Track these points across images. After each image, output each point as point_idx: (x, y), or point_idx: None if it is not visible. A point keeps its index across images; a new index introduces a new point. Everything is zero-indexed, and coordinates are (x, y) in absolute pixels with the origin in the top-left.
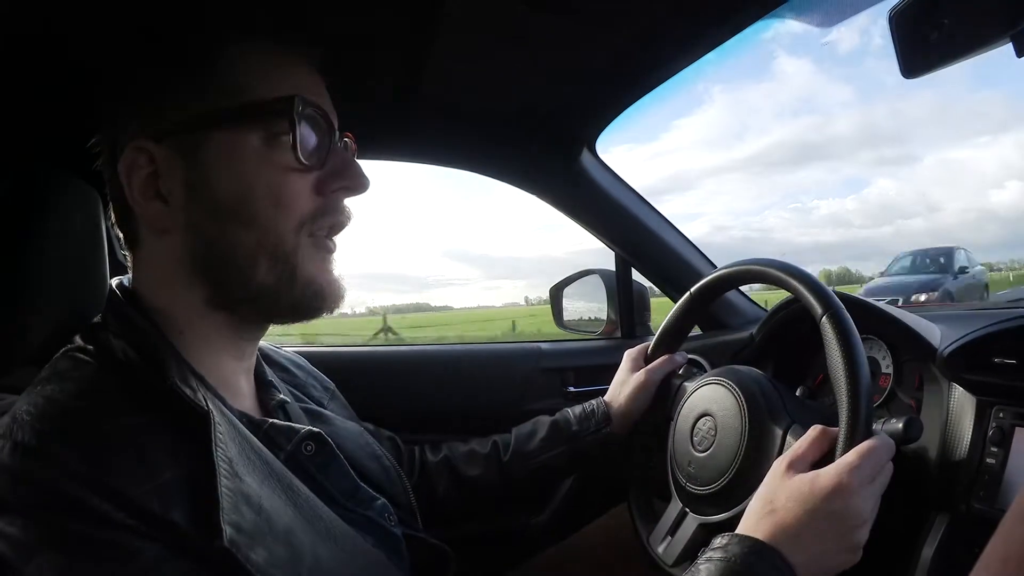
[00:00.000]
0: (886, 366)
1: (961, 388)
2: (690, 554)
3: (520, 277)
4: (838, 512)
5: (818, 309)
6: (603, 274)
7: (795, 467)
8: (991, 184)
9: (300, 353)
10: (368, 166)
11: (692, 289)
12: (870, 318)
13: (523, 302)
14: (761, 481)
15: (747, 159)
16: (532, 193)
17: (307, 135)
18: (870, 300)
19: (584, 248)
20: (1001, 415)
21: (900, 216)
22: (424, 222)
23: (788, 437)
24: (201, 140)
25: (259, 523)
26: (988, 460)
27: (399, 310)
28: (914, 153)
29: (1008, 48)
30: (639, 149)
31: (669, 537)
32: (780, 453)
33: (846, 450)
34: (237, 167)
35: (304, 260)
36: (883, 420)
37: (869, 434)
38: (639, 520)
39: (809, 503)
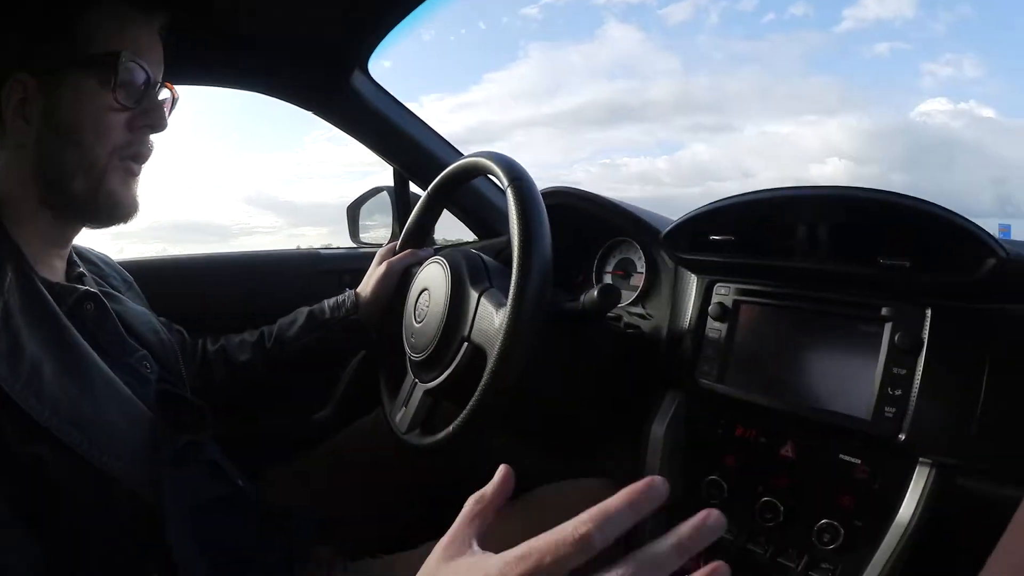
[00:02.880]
0: (641, 267)
1: (684, 268)
2: (420, 420)
3: (324, 224)
4: None
5: (505, 179)
6: (391, 190)
7: (449, 550)
8: (813, 159)
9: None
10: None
11: (428, 190)
12: (595, 206)
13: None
14: (460, 343)
15: (559, 115)
16: (312, 112)
17: (128, 83)
18: (599, 193)
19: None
20: (723, 291)
21: (713, 179)
22: (229, 168)
23: (482, 298)
24: (60, 79)
25: (24, 366)
26: (711, 335)
27: None
28: (733, 123)
29: (855, 37)
30: (448, 99)
31: (404, 407)
32: (475, 314)
33: (513, 320)
34: (77, 103)
35: (110, 178)
36: (585, 293)
37: (540, 305)
38: (386, 398)
39: None
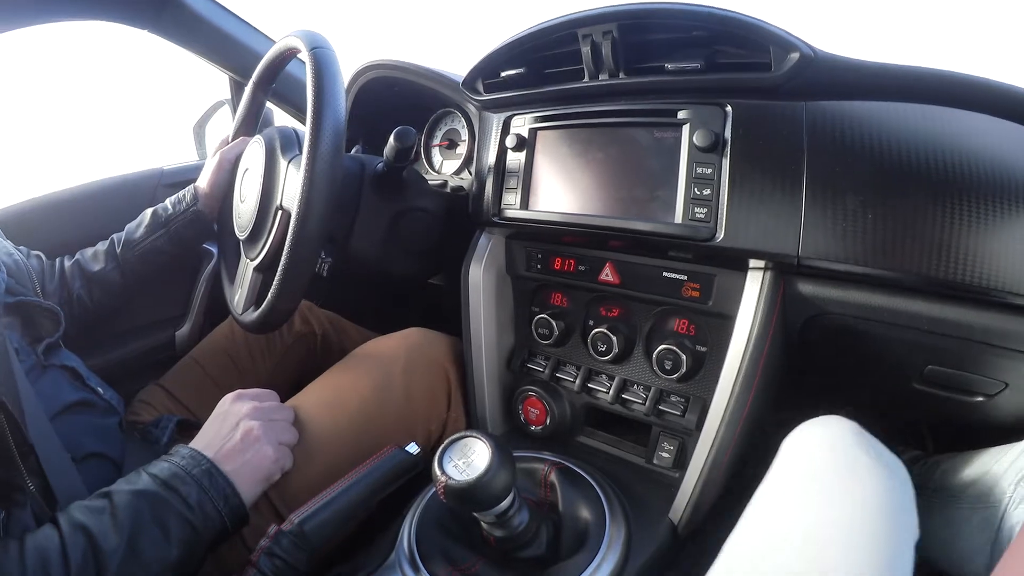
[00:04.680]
0: (465, 135)
1: (488, 112)
2: (253, 298)
3: None
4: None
5: (304, 46)
6: (231, 102)
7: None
8: None
9: None
10: None
11: (250, 80)
12: (414, 75)
13: None
14: (275, 213)
15: None
16: (147, 30)
17: None
18: (410, 62)
19: None
20: (519, 123)
21: None
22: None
23: (290, 165)
24: None
25: None
26: (511, 166)
27: None
28: None
29: None
30: None
31: (240, 289)
32: (285, 181)
33: (307, 176)
34: None
35: None
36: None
37: (335, 161)
38: (226, 285)
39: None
